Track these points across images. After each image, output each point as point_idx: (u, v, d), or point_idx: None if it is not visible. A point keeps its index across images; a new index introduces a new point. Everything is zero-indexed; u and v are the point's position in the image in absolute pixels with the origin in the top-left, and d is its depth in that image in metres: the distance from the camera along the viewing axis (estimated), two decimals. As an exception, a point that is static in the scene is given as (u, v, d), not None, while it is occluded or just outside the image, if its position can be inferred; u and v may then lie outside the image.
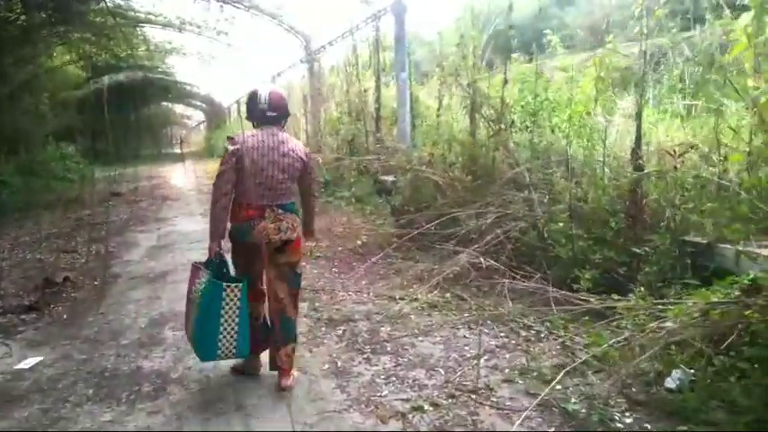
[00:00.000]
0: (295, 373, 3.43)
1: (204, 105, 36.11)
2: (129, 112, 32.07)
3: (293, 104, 16.31)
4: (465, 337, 3.95)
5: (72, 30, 15.66)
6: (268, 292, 3.39)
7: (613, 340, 2.99)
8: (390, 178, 8.87)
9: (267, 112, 3.28)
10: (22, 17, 14.53)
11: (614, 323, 3.49)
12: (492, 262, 4.81)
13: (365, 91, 10.22)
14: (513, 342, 3.80)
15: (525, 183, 5.12)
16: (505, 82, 5.68)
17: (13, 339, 4.59)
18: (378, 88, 9.98)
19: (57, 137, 22.65)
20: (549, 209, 4.65)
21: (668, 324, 2.80)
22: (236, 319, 3.12)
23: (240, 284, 3.14)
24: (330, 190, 11.09)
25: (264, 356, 3.51)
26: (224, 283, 3.11)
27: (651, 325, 2.91)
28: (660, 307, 3.11)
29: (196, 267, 3.31)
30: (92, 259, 7.27)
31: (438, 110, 7.91)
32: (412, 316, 4.41)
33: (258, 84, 3.57)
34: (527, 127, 6.16)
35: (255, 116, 3.33)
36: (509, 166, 5.56)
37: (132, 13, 16.64)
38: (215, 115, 33.33)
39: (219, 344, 3.11)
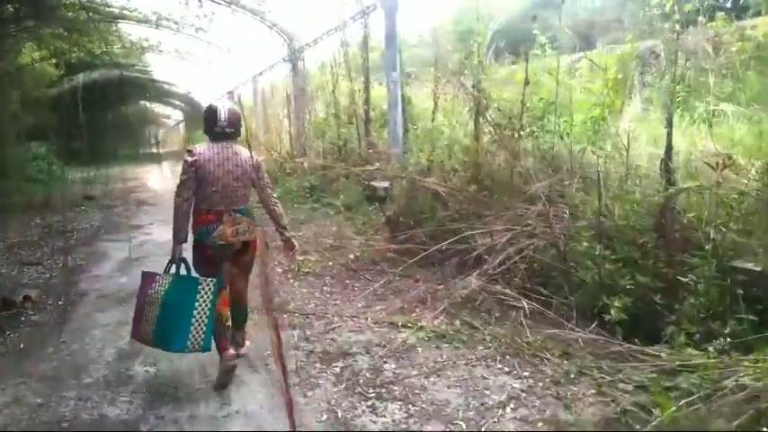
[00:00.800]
0: (247, 342, 3.99)
1: (183, 105, 35.14)
2: (105, 111, 31.04)
3: (275, 105, 15.70)
4: (484, 377, 3.40)
5: (42, 25, 14.79)
6: (230, 284, 3.73)
7: (682, 401, 2.45)
8: (383, 185, 8.30)
9: (226, 129, 3.54)
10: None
11: (659, 365, 2.99)
12: (503, 284, 4.29)
13: (357, 91, 9.63)
14: (541, 384, 3.27)
15: (537, 195, 4.60)
16: (527, 82, 5.10)
17: (-41, 375, 3.96)
18: (367, 89, 9.41)
19: (29, 136, 21.68)
20: (569, 225, 4.13)
21: (747, 380, 2.29)
22: (207, 313, 3.36)
23: (215, 279, 3.42)
24: (316, 196, 10.50)
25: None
26: (200, 278, 3.41)
27: (726, 383, 2.38)
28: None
29: (149, 274, 3.60)
30: (57, 274, 6.60)
31: (433, 112, 7.37)
32: (419, 348, 3.85)
33: (215, 100, 3.79)
34: (533, 132, 5.65)
35: (213, 131, 3.56)
36: (518, 176, 5.05)
37: (106, 9, 15.86)
38: (194, 115, 32.43)
39: (190, 335, 3.33)
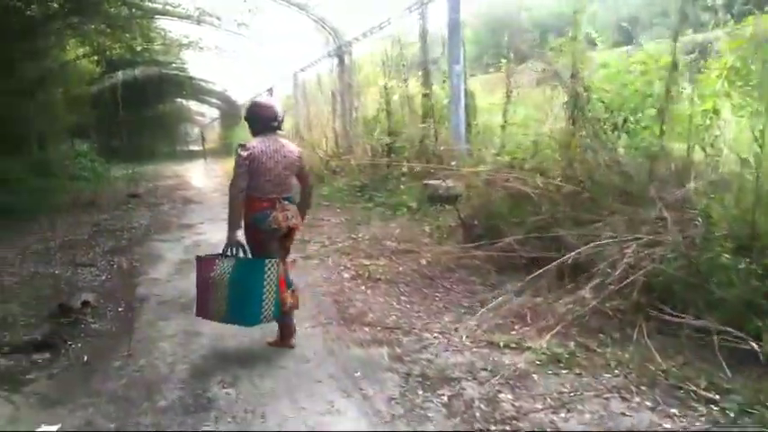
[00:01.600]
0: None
1: (219, 102, 35.10)
2: (144, 108, 31.15)
3: (319, 101, 15.31)
4: (623, 414, 2.89)
5: (86, 21, 14.65)
6: None
7: None
8: (445, 184, 7.82)
9: (271, 123, 3.86)
10: (33, 6, 13.57)
11: None
12: (619, 299, 3.77)
13: (403, 85, 9.14)
14: (698, 424, 2.76)
15: (650, 198, 4.06)
16: (674, 66, 4.46)
17: (22, 393, 3.61)
18: (427, 83, 8.93)
19: (71, 134, 21.76)
20: (702, 233, 3.59)
21: None
22: (275, 289, 3.70)
23: (277, 259, 3.77)
24: (367, 194, 10.06)
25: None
26: (266, 260, 3.69)
27: None
28: None
29: (206, 258, 3.91)
30: (113, 276, 6.29)
31: (506, 106, 6.86)
32: (534, 375, 3.35)
33: (259, 96, 4.58)
34: (628, 128, 5.10)
35: (261, 125, 3.88)
36: (621, 176, 4.51)
37: (149, 4, 15.69)
38: (230, 113, 32.33)
39: (262, 310, 3.69)
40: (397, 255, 6.24)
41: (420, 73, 9.01)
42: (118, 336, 4.47)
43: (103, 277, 6.26)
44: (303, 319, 4.58)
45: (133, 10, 15.54)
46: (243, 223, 3.80)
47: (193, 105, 40.49)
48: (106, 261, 7.00)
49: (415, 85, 9.59)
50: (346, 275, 5.74)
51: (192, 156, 31.83)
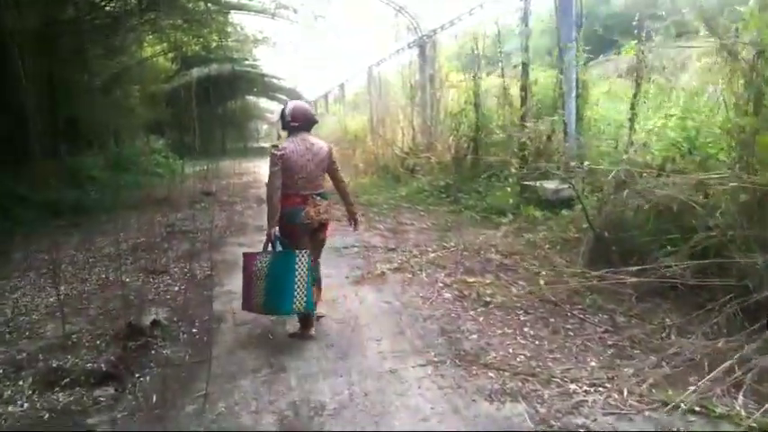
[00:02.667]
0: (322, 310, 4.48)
1: (288, 99, 35.08)
2: (216, 105, 31.40)
3: (396, 95, 14.50)
4: None
5: (163, 16, 14.43)
6: None
7: None
8: (553, 186, 6.83)
9: (291, 123, 4.05)
10: (111, 3, 13.44)
11: None
12: None
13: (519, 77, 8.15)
14: None
15: None
16: None
17: (79, 444, 2.97)
18: (526, 73, 7.93)
19: (146, 130, 21.95)
20: None
21: None
22: (306, 278, 3.84)
23: (307, 251, 3.92)
24: (452, 196, 9.16)
25: None
26: (296, 251, 3.85)
27: None
28: None
29: (250, 254, 4.10)
30: (186, 286, 5.69)
31: (635, 97, 5.80)
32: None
33: (289, 101, 4.34)
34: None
35: (287, 126, 4.09)
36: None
37: (224, -1, 15.39)
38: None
39: (294, 299, 3.80)
40: (504, 271, 5.33)
41: (519, 61, 8.00)
42: (192, 368, 3.79)
43: (176, 288, 5.66)
44: (408, 352, 3.77)
45: (209, 5, 15.27)
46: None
47: (263, 102, 40.71)
48: (179, 268, 6.43)
49: (511, 76, 8.59)
50: (448, 295, 4.88)
51: (262, 152, 31.80)
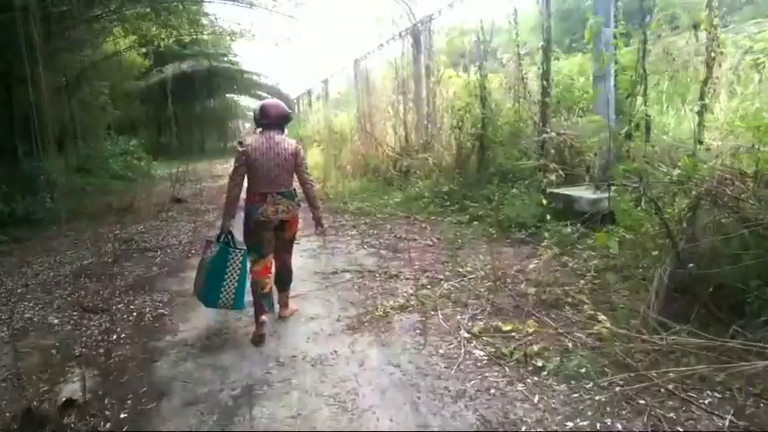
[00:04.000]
0: (293, 306, 4.47)
1: (270, 97, 33.46)
2: (193, 103, 29.79)
3: (386, 90, 13.13)
4: None
5: (127, 4, 12.89)
6: (274, 255, 4.19)
7: None
8: (588, 195, 5.53)
9: (261, 120, 4.06)
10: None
11: None
12: None
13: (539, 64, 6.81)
14: None
15: None
16: None
17: None
18: (547, 59, 6.60)
19: (118, 130, 20.33)
20: None
21: None
22: (237, 278, 3.93)
23: (243, 250, 3.97)
24: (456, 203, 7.82)
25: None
26: (230, 248, 3.95)
27: None
28: None
29: (208, 242, 4.15)
30: (127, 333, 4.29)
31: (705, 85, 4.50)
32: None
33: (264, 100, 4.51)
34: None
35: (260, 123, 4.09)
36: None
37: (195, -14, 13.90)
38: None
39: (221, 296, 3.93)
40: (546, 312, 4.00)
41: (540, 45, 6.66)
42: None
43: (114, 336, 4.25)
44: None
45: (179, -8, 13.77)
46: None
47: (244, 101, 39.02)
48: (125, 304, 5.02)
49: (529, 63, 7.28)
50: (479, 353, 3.52)
51: (242, 152, 30.15)
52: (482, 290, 4.59)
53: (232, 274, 3.90)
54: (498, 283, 4.64)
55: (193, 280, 4.27)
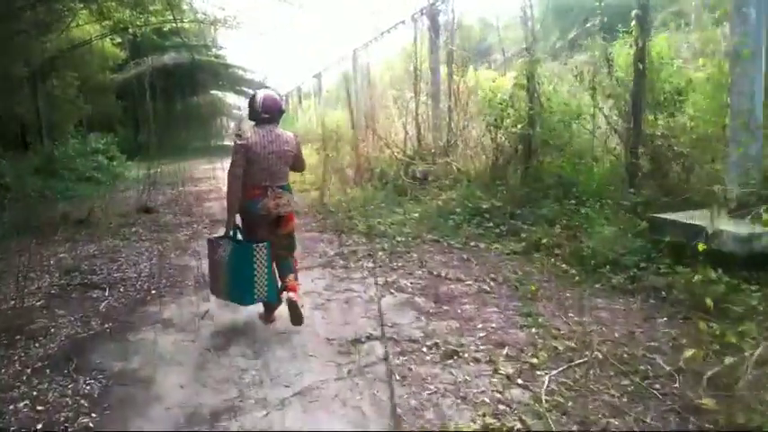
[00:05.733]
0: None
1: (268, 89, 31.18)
2: (175, 99, 27.53)
3: (396, 82, 11.22)
4: None
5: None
6: (275, 248, 3.88)
7: None
8: (733, 228, 3.68)
9: (262, 114, 3.80)
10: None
11: None
12: None
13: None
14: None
15: None
16: None
17: None
18: (644, 32, 4.74)
19: (91, 127, 18.14)
20: None
21: None
22: (266, 270, 3.72)
23: (266, 243, 3.75)
24: (503, 224, 5.95)
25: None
26: (253, 244, 3.71)
27: None
28: None
29: (214, 240, 3.95)
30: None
31: None
32: None
33: (258, 91, 3.98)
34: None
35: (254, 117, 3.86)
36: None
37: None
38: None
39: (255, 290, 3.70)
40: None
41: (633, 13, 4.78)
42: None
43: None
44: None
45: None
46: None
47: (230, 98, 36.75)
48: (29, 401, 3.07)
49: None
50: None
51: (226, 151, 27.82)
52: (613, 393, 2.71)
53: (261, 269, 3.70)
54: (635, 378, 2.76)
55: (208, 282, 4.08)
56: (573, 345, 3.25)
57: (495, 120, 6.64)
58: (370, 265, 5.36)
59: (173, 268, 5.71)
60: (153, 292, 4.98)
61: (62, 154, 14.96)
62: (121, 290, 5.09)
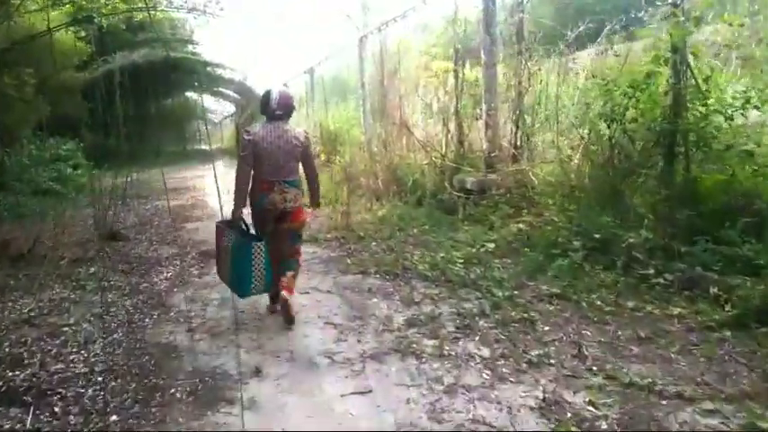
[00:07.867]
0: (295, 292, 3.87)
1: (236, 96, 28.49)
2: (148, 100, 24.76)
3: (421, 72, 9.00)
4: None
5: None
6: (278, 243, 3.83)
7: None
8: None
9: (276, 111, 3.74)
10: None
11: None
12: None
13: None
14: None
15: None
16: None
17: None
18: None
19: (52, 131, 15.51)
20: None
21: None
22: (263, 265, 3.63)
23: (263, 242, 3.66)
24: (660, 273, 3.81)
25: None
26: (253, 243, 3.63)
27: None
28: None
29: (221, 227, 3.89)
30: None
31: None
32: None
33: (272, 87, 3.85)
34: None
35: (267, 112, 3.77)
36: None
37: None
38: (249, 106, 25.61)
39: (252, 284, 3.64)
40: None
41: None
42: None
43: None
44: None
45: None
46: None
47: (209, 101, 33.89)
48: None
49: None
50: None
51: (204, 156, 24.88)
52: None
53: (258, 266, 3.60)
54: None
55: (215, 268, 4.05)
56: None
57: (614, 109, 4.48)
58: (483, 352, 3.13)
59: (147, 354, 3.41)
60: (113, 416, 2.68)
61: (15, 163, 12.40)
62: (57, 409, 2.79)
